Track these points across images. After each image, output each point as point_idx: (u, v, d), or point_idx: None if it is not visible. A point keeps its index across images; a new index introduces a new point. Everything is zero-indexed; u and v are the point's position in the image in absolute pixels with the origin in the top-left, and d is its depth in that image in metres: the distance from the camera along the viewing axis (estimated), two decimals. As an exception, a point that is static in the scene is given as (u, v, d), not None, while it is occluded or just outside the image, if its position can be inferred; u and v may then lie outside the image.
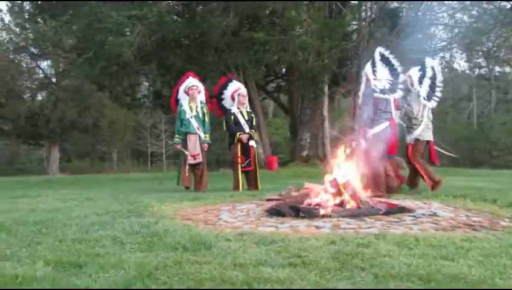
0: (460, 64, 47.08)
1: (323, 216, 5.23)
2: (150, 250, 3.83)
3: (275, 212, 5.54)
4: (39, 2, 20.93)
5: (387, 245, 3.89)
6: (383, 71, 7.87)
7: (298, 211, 5.38)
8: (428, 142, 8.38)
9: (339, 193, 5.76)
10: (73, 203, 7.32)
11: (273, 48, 16.79)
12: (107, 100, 28.09)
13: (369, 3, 19.19)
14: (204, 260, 3.48)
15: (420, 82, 8.24)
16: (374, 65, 7.89)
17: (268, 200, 6.70)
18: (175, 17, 18.35)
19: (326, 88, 18.88)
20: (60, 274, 3.21)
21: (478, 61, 38.32)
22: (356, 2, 20.63)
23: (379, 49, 8.06)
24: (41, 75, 35.05)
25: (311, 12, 16.57)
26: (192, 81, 9.49)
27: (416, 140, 8.26)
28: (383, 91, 7.75)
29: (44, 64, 35.07)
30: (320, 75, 17.17)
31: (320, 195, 5.80)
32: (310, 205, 5.65)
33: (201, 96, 9.52)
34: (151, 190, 10.11)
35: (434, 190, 7.93)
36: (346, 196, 5.70)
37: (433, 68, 8.43)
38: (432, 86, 8.33)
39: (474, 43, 20.24)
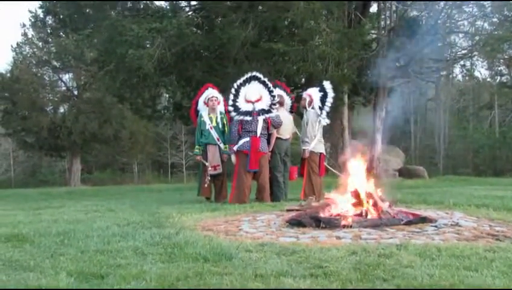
0: (482, 72, 46.67)
1: (344, 226, 5.21)
2: (171, 261, 3.84)
3: (296, 222, 5.53)
4: (61, 17, 21.17)
5: (409, 256, 3.85)
6: (262, 94, 8.99)
7: (319, 221, 5.36)
8: (320, 154, 9.27)
9: (359, 203, 5.72)
10: (94, 214, 7.37)
11: (292, 58, 16.74)
12: (127, 112, 28.31)
13: (388, 12, 19.12)
14: (225, 271, 3.49)
15: (322, 102, 9.20)
16: (237, 91, 9.02)
17: (288, 210, 6.68)
18: (194, 29, 18.44)
19: (346, 98, 18.81)
20: (82, 285, 3.24)
21: (499, 68, 37.93)
22: (375, 11, 20.56)
23: (254, 74, 9.23)
24: (63, 88, 35.51)
25: (330, 22, 16.54)
26: (211, 92, 9.52)
27: (311, 152, 9.14)
28: (245, 113, 8.88)
29: (66, 77, 35.59)
30: (340, 84, 17.12)
31: (341, 205, 5.78)
32: (330, 215, 5.63)
33: (221, 107, 9.54)
34: (171, 201, 10.14)
35: (303, 198, 8.50)
36: (367, 206, 5.66)
37: (331, 92, 9.34)
38: (323, 104, 9.28)
39: (495, 51, 20.00)
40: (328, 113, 9.30)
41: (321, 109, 9.19)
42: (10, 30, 68.07)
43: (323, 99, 9.20)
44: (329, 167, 10.32)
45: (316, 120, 9.14)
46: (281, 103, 9.39)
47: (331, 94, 9.25)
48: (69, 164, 35.63)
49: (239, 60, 17.31)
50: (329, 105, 9.28)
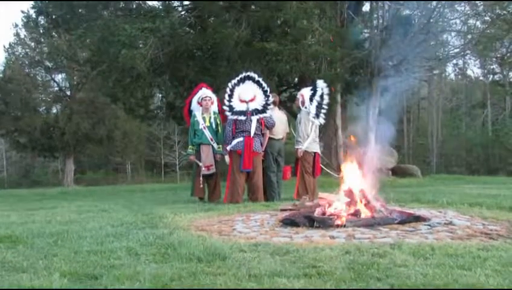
0: (474, 70, 46.83)
1: (337, 226, 5.21)
2: (165, 261, 3.84)
3: (289, 222, 5.53)
4: (53, 17, 21.10)
5: (402, 255, 3.86)
6: (256, 94, 9.00)
7: (312, 221, 5.36)
8: (315, 153, 9.31)
9: (353, 202, 5.73)
10: (88, 214, 7.34)
11: (285, 58, 16.74)
12: (120, 112, 28.28)
13: (380, 11, 19.17)
14: (219, 271, 3.48)
15: (310, 100, 9.23)
16: (231, 91, 9.00)
17: (282, 210, 6.68)
18: (187, 29, 18.43)
19: (338, 97, 18.83)
20: (75, 286, 3.23)
21: (492, 67, 38.07)
22: (368, 10, 20.62)
23: (249, 74, 9.20)
24: (56, 88, 35.47)
25: (322, 21, 16.56)
26: (205, 92, 9.51)
27: (305, 152, 9.15)
28: (239, 112, 8.91)
29: (59, 77, 35.55)
30: (333, 84, 17.13)
31: (335, 205, 5.78)
32: (324, 214, 5.63)
33: (214, 107, 9.53)
34: (165, 201, 10.13)
35: (296, 198, 8.59)
36: (360, 206, 5.67)
37: (322, 90, 9.36)
38: (319, 106, 9.29)
39: (487, 49, 20.09)
40: (319, 112, 9.29)
41: (315, 107, 9.21)
42: (2, 30, 67.79)
43: (312, 98, 9.23)
44: (323, 167, 10.33)
45: (309, 120, 9.16)
46: (275, 103, 9.40)
47: (319, 92, 9.26)
48: (62, 165, 35.60)
49: (232, 60, 17.29)
50: (317, 104, 9.27)
